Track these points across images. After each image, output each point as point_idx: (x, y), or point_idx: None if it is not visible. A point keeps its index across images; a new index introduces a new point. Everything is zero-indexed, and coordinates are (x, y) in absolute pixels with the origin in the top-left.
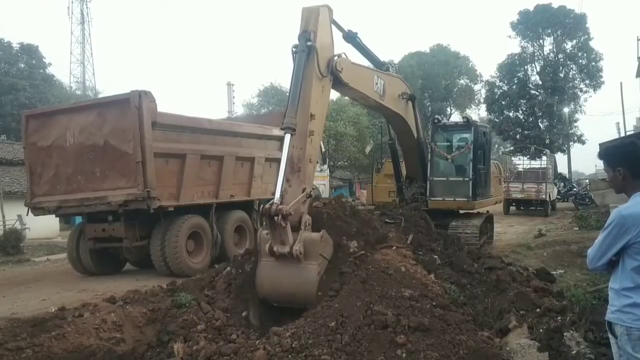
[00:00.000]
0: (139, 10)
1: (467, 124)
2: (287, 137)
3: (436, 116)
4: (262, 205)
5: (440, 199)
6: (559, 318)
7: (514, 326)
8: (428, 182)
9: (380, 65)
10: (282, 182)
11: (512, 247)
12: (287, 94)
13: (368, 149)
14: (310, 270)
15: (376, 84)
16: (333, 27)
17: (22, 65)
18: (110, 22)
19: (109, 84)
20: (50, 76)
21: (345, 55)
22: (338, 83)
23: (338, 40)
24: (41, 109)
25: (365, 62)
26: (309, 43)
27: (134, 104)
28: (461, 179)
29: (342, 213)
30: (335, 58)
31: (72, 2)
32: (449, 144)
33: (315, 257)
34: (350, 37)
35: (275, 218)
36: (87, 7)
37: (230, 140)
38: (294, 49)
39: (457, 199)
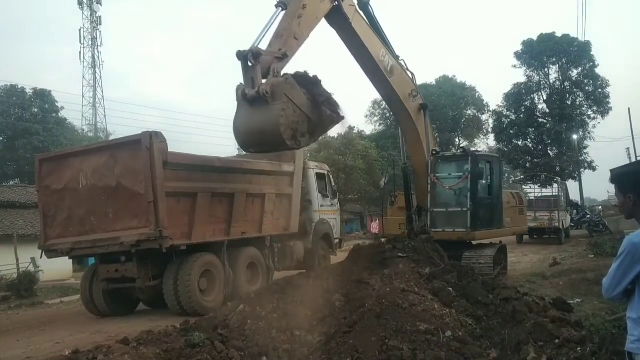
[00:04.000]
0: (146, 50)
1: (465, 154)
2: (278, 11)
3: (434, 148)
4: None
5: (441, 229)
6: (578, 349)
7: (532, 358)
8: (429, 213)
9: (393, 53)
10: (259, 38)
11: (527, 277)
12: None
13: (382, 183)
14: (275, 109)
15: (383, 56)
16: None
17: (36, 110)
18: (120, 63)
19: (120, 125)
20: (63, 120)
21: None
22: (339, 14)
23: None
24: (54, 153)
25: None
26: None
27: (145, 145)
28: (459, 209)
29: None
30: None
31: (84, 47)
32: (448, 175)
33: (280, 97)
34: (363, 5)
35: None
36: (98, 52)
37: (241, 178)
38: None
39: (456, 230)
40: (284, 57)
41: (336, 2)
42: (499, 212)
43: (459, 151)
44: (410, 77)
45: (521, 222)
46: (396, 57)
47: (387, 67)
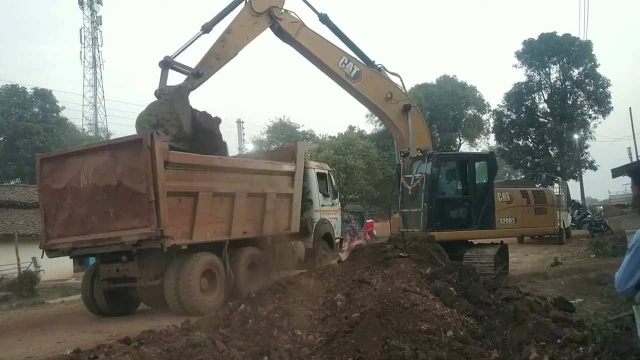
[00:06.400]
0: (148, 47)
1: (423, 156)
2: (200, 32)
3: (402, 149)
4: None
5: (405, 229)
6: (580, 349)
7: (534, 358)
8: (400, 214)
9: (365, 59)
10: (178, 52)
11: (528, 277)
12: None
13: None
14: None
15: (344, 63)
16: (307, 7)
17: (36, 110)
18: (121, 62)
19: (121, 125)
20: (64, 119)
21: (304, 25)
22: (284, 32)
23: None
24: (55, 152)
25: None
26: None
27: (146, 144)
28: (416, 210)
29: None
30: (283, 10)
31: (85, 47)
32: (412, 175)
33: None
34: (324, 19)
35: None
36: (98, 52)
37: (242, 177)
38: None
39: (415, 230)
40: (198, 75)
41: (274, 23)
42: (485, 213)
43: (418, 153)
44: (391, 80)
45: (539, 222)
46: (370, 62)
47: (350, 73)
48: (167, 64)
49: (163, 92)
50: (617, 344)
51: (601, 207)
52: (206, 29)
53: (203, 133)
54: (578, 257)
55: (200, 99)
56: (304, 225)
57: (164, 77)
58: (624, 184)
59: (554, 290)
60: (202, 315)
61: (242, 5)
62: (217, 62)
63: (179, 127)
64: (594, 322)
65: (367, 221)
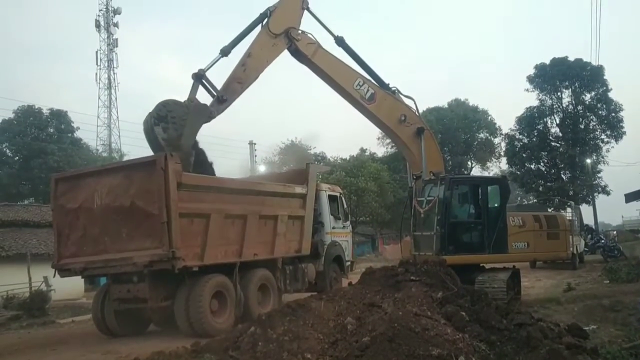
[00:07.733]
0: (160, 71)
1: (436, 179)
2: (219, 56)
3: (415, 172)
4: None
5: (417, 253)
6: None
7: None
8: (412, 237)
9: (380, 81)
10: (207, 67)
11: (540, 302)
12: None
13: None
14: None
15: (359, 84)
16: (323, 29)
17: (52, 130)
18: (136, 85)
19: (134, 146)
20: (78, 140)
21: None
22: (300, 52)
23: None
24: (70, 172)
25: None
26: (270, 7)
27: (159, 166)
28: (428, 233)
29: None
30: (299, 31)
31: (100, 69)
32: (425, 198)
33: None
34: (340, 41)
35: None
36: (114, 73)
37: (254, 199)
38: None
39: (427, 253)
40: (222, 101)
41: (291, 44)
42: (497, 237)
43: (431, 176)
44: (404, 103)
45: (552, 247)
46: (384, 85)
47: (364, 95)
48: (199, 78)
49: (190, 102)
50: None
51: (614, 232)
52: (225, 52)
53: (201, 162)
54: (591, 283)
55: (216, 119)
56: (315, 248)
57: (194, 89)
58: (637, 209)
59: (567, 316)
60: (212, 337)
61: (259, 28)
62: (240, 87)
63: (177, 135)
64: (608, 349)
65: None
